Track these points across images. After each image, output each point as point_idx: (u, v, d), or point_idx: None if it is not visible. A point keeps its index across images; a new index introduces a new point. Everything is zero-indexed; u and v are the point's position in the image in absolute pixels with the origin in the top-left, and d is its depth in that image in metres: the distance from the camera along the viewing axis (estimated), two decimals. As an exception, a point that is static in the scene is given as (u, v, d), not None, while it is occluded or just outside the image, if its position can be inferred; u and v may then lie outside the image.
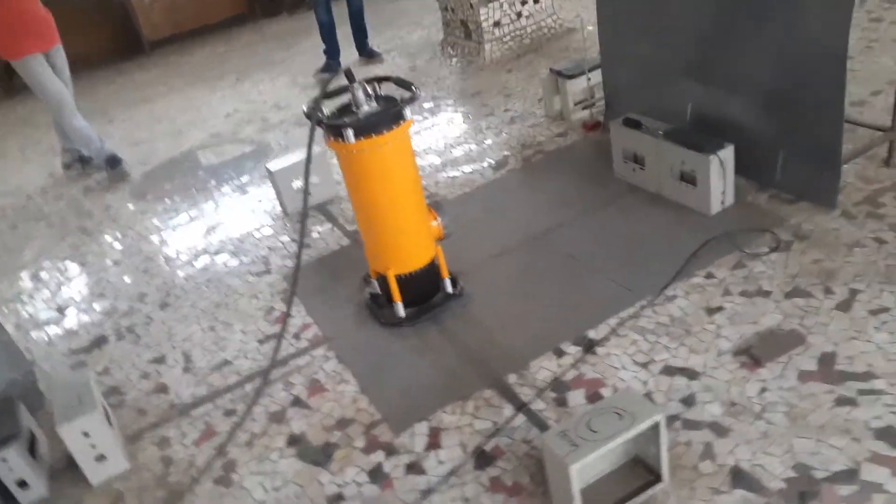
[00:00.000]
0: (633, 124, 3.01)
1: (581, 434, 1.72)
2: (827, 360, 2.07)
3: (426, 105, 4.70)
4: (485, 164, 3.71)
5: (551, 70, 3.90)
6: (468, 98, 4.67)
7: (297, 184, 3.58)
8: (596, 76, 3.69)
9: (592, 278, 2.65)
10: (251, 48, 7.23)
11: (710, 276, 2.51)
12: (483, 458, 2.04)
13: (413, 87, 2.38)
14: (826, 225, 2.60)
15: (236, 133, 5.07)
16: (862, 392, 1.95)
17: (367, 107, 2.36)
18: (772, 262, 2.50)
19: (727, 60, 2.83)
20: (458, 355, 2.45)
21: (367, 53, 5.86)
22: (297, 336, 2.75)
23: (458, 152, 3.93)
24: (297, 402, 2.43)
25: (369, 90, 2.37)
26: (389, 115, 2.32)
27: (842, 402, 1.93)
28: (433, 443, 2.14)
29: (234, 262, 3.39)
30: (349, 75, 2.32)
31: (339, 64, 5.77)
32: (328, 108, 2.44)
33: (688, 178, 2.83)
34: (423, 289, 2.69)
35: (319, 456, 2.19)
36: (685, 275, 2.53)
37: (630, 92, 3.38)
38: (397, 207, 2.48)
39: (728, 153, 2.72)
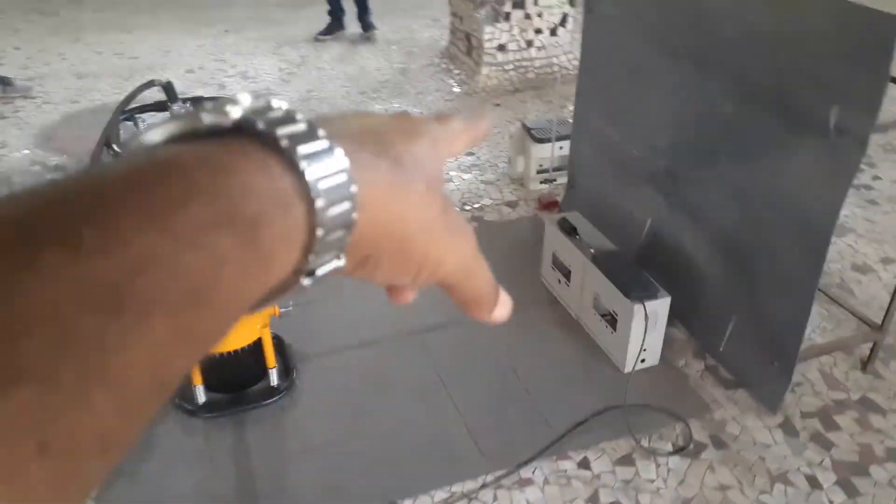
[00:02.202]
0: (568, 229, 2.40)
1: None
2: None
3: (391, 119, 4.10)
4: (412, 215, 3.11)
5: (522, 125, 3.29)
6: (441, 123, 4.06)
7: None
8: (568, 146, 3.07)
9: (449, 417, 2.06)
10: (260, -2, 6.64)
11: (584, 463, 1.91)
12: None
13: None
14: (756, 435, 1.99)
15: (184, 93, 4.50)
16: None
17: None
18: (668, 469, 1.89)
19: (696, 184, 2.21)
20: (235, 488, 1.87)
21: (364, 26, 5.39)
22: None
23: (393, 189, 3.33)
24: None
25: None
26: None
27: None
28: None
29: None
30: (169, 90, 1.75)
31: (342, 27, 5.37)
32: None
33: (609, 319, 2.22)
34: (240, 373, 2.12)
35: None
36: (556, 451, 1.94)
37: (595, 178, 2.77)
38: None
39: (661, 306, 2.10)
